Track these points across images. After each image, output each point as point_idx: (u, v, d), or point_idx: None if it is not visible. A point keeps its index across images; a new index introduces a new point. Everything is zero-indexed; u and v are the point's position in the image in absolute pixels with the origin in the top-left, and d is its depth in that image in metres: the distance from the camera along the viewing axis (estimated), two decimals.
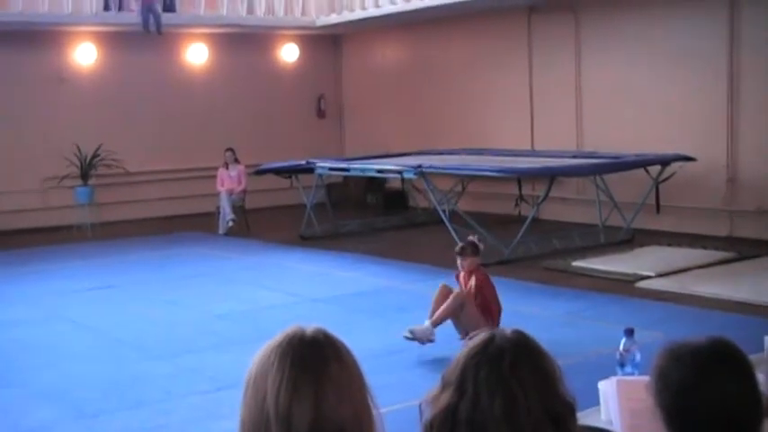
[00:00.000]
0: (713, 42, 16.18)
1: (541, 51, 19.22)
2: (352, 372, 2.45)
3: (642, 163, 15.71)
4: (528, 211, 16.21)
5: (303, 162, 18.19)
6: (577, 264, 14.08)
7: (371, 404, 2.46)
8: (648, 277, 12.92)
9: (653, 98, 17.10)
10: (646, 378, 2.77)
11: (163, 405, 8.34)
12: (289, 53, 23.67)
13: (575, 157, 16.83)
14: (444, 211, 15.59)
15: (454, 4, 18.51)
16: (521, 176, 16.86)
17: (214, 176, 19.66)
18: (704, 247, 14.95)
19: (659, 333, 9.14)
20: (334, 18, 21.86)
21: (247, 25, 21.72)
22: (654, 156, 15.86)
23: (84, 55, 20.81)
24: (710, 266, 13.64)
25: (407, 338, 9.45)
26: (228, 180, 19.31)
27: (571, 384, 2.51)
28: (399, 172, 16.41)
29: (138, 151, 21.11)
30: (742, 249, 14.70)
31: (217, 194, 19.29)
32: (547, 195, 15.06)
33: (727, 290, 11.88)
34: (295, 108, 23.81)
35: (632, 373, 4.20)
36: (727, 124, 16.08)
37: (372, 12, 20.64)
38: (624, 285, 12.63)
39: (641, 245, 15.45)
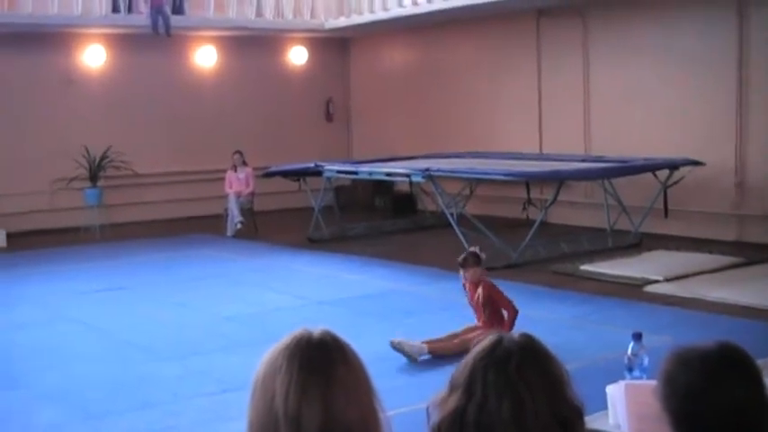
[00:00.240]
0: (721, 46, 16.16)
1: (550, 55, 19.21)
2: (360, 374, 2.46)
3: (650, 167, 15.69)
4: (536, 214, 16.17)
5: (311, 165, 18.20)
6: (585, 268, 14.06)
7: (378, 407, 2.47)
8: (656, 281, 12.91)
9: (661, 102, 17.08)
10: (654, 382, 2.77)
11: (170, 407, 8.34)
12: (297, 56, 23.68)
13: (583, 160, 16.82)
14: (452, 215, 15.57)
15: (462, 7, 18.52)
16: (529, 180, 16.82)
17: (222, 179, 19.68)
18: (712, 252, 14.94)
19: (667, 337, 9.13)
20: (342, 21, 21.88)
21: (256, 28, 21.73)
22: (662, 160, 15.84)
23: (94, 57, 20.83)
24: (719, 271, 13.62)
25: (393, 347, 9.42)
26: (237, 182, 19.33)
27: (579, 388, 2.51)
28: (407, 175, 16.39)
29: (146, 153, 21.13)
30: (750, 254, 14.67)
31: (225, 197, 19.32)
32: (555, 199, 15.04)
33: (735, 294, 11.86)
34: (303, 111, 23.82)
35: (640, 378, 4.20)
36: (735, 128, 16.06)
37: (381, 15, 20.66)
38: (632, 289, 12.61)
39: (649, 249, 15.43)
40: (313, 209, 18.08)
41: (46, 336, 11.18)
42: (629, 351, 4.28)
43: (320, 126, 24.20)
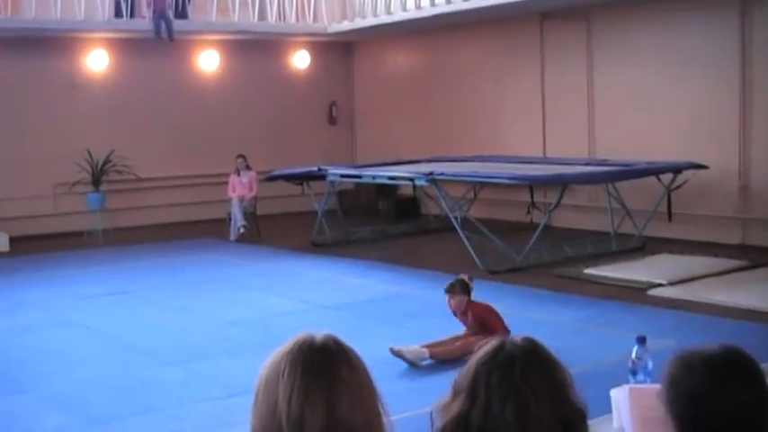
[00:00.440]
0: (725, 49, 16.16)
1: (553, 58, 19.21)
2: (363, 378, 2.45)
3: (654, 171, 15.68)
4: (540, 218, 16.18)
5: (314, 169, 18.19)
6: (589, 271, 14.06)
7: (382, 411, 2.46)
8: (660, 285, 12.89)
9: (665, 105, 17.08)
10: (658, 386, 2.77)
11: (175, 411, 8.34)
12: (300, 60, 23.68)
13: (587, 164, 16.81)
14: (456, 219, 15.56)
15: (466, 10, 18.53)
16: (533, 184, 16.82)
17: (225, 183, 19.69)
18: (716, 255, 14.92)
19: (671, 341, 9.12)
20: (345, 25, 21.88)
21: (259, 32, 21.74)
22: (666, 163, 15.83)
23: (96, 61, 20.85)
24: (723, 274, 13.61)
25: (393, 353, 9.40)
26: (240, 186, 19.34)
27: (582, 392, 2.50)
28: (411, 179, 16.37)
29: (149, 157, 21.14)
30: (754, 257, 14.67)
31: (228, 201, 19.33)
32: (559, 203, 15.03)
33: (739, 298, 11.84)
34: (306, 115, 23.83)
35: (644, 381, 4.19)
36: (739, 132, 16.06)
37: (384, 19, 20.65)
38: (636, 293, 12.61)
39: (653, 253, 15.43)
40: (316, 213, 18.07)
41: (49, 340, 11.18)
42: (633, 354, 4.27)
43: (323, 130, 24.21)
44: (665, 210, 15.85)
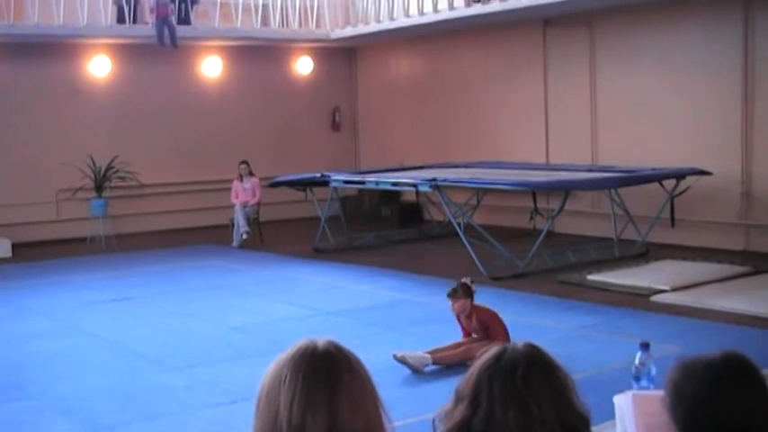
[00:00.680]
0: (728, 56, 16.16)
1: (556, 64, 19.22)
2: (365, 385, 2.45)
3: (657, 177, 15.66)
4: (543, 224, 16.18)
5: (318, 175, 18.20)
6: (592, 277, 14.06)
7: (384, 417, 2.46)
8: (663, 291, 12.89)
9: (668, 112, 17.08)
10: (661, 392, 2.77)
11: (178, 417, 8.34)
12: (303, 66, 23.70)
13: (590, 170, 16.80)
14: (459, 225, 15.56)
15: (469, 17, 18.54)
16: (536, 190, 16.81)
17: (228, 189, 19.71)
18: (719, 261, 14.93)
19: (674, 347, 9.13)
20: (348, 31, 21.88)
21: (262, 38, 21.73)
22: (669, 169, 15.82)
23: (99, 67, 20.87)
24: (726, 280, 13.60)
25: (396, 359, 9.40)
26: (243, 193, 19.34)
27: (586, 398, 2.51)
28: (414, 185, 16.37)
29: (152, 163, 21.15)
30: (757, 263, 14.66)
31: (231, 207, 19.33)
32: (562, 209, 15.01)
33: (742, 304, 11.83)
34: (309, 121, 23.84)
35: (648, 387, 4.18)
36: (742, 138, 16.06)
37: (387, 25, 20.66)
38: (639, 299, 12.60)
39: (656, 259, 15.43)
40: (319, 219, 18.08)
41: (54, 346, 11.18)
42: (637, 360, 4.26)
43: (326, 136, 24.22)
44: (668, 216, 15.84)
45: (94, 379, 9.70)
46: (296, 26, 21.93)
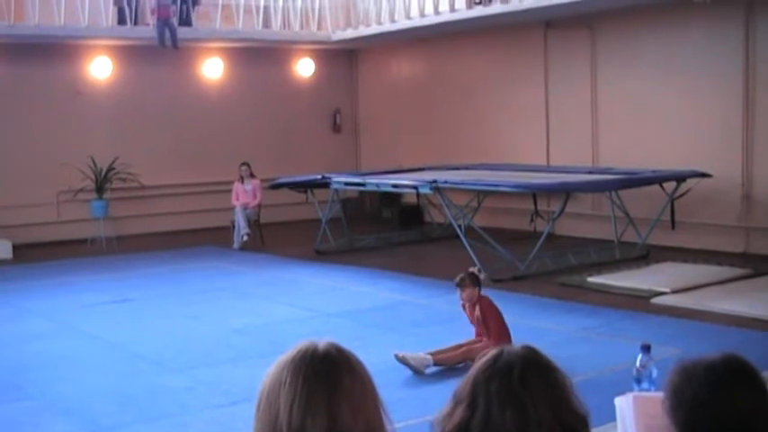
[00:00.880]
0: (729, 59, 16.16)
1: (557, 67, 19.21)
2: (366, 386, 2.46)
3: (658, 179, 15.66)
4: (543, 226, 16.17)
5: (319, 177, 18.19)
6: (593, 280, 14.05)
7: (385, 419, 2.46)
8: (664, 293, 12.89)
9: (668, 114, 17.08)
10: (662, 394, 2.77)
11: (179, 419, 8.34)
12: (304, 68, 23.70)
13: (590, 172, 16.79)
14: (460, 227, 15.56)
15: (470, 18, 18.55)
16: (536, 192, 16.82)
17: (229, 191, 19.70)
18: (719, 264, 14.93)
19: (674, 349, 9.13)
20: (350, 33, 21.88)
21: (263, 39, 21.72)
22: (669, 172, 15.83)
23: (100, 68, 20.86)
24: (726, 283, 13.61)
25: (398, 359, 9.42)
26: (243, 194, 19.34)
27: (586, 400, 2.51)
28: (415, 187, 16.37)
29: (153, 165, 21.15)
30: (757, 266, 14.66)
31: (232, 209, 19.33)
32: (562, 211, 15.02)
33: (742, 306, 11.83)
34: (310, 122, 23.84)
35: (648, 389, 4.18)
36: (742, 140, 16.06)
37: (388, 27, 20.66)
38: (639, 301, 12.60)
39: (656, 261, 15.43)
40: (320, 221, 18.08)
41: (54, 348, 11.17)
42: (638, 363, 4.26)
43: (327, 138, 24.22)
44: (669, 218, 15.85)
45: (95, 380, 9.70)
46: (297, 28, 21.92)
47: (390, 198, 21.74)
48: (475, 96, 20.99)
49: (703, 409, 2.62)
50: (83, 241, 19.86)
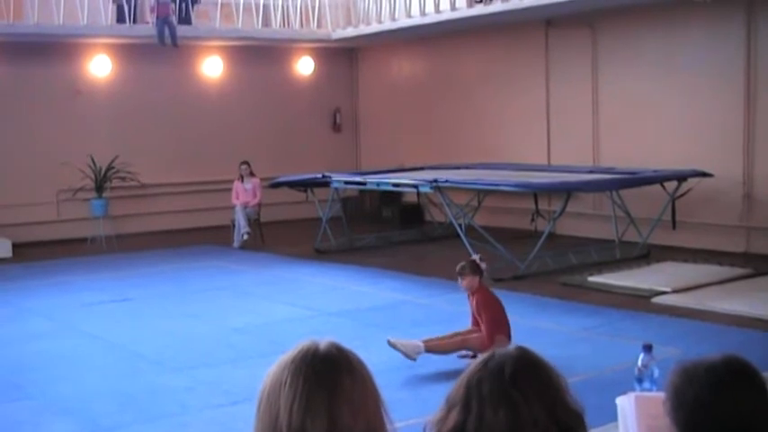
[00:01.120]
0: (730, 58, 16.15)
1: (558, 65, 19.20)
2: (366, 386, 2.44)
3: (659, 178, 15.65)
4: (544, 226, 16.16)
5: (319, 175, 18.18)
6: (593, 279, 14.05)
7: (386, 419, 2.45)
8: (664, 293, 12.88)
9: (669, 114, 17.07)
10: (664, 394, 2.77)
11: (179, 419, 8.33)
12: (304, 66, 23.68)
13: (591, 172, 16.78)
14: (460, 226, 15.56)
15: (470, 17, 18.52)
16: (537, 191, 16.82)
17: (229, 189, 19.69)
18: (720, 264, 14.91)
19: (675, 349, 9.12)
20: (350, 31, 21.86)
21: (263, 38, 21.70)
22: (670, 171, 15.82)
23: (100, 67, 20.85)
24: (727, 282, 13.60)
25: (390, 345, 9.42)
26: (243, 193, 19.32)
27: (587, 400, 2.50)
28: (415, 186, 16.36)
29: (152, 164, 21.14)
30: (758, 265, 14.65)
31: (232, 208, 19.32)
32: (563, 210, 15.01)
33: (743, 306, 11.83)
34: (310, 121, 23.83)
35: (650, 389, 4.17)
36: (743, 140, 16.05)
37: (388, 25, 20.64)
38: (640, 301, 12.59)
39: (657, 260, 15.42)
40: (320, 220, 18.07)
41: (54, 347, 11.17)
42: (639, 362, 4.25)
43: (328, 136, 24.21)
44: (670, 218, 15.84)
45: (95, 380, 9.70)
46: (297, 26, 21.92)
47: (391, 197, 21.74)
48: (475, 95, 20.97)
49: (704, 410, 2.62)
50: (83, 240, 19.85)
